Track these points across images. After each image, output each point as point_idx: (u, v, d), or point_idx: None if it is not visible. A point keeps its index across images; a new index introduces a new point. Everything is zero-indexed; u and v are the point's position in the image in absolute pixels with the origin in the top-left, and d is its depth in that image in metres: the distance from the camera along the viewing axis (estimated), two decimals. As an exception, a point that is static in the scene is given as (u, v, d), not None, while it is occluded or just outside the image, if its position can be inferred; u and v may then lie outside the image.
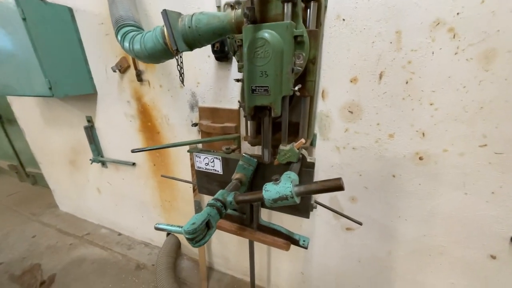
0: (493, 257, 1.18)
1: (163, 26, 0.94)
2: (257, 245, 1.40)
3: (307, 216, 1.03)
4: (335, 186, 0.58)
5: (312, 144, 1.36)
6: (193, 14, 0.90)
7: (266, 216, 1.71)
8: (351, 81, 1.16)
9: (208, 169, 1.12)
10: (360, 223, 1.05)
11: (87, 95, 2.01)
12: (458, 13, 0.90)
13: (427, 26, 0.96)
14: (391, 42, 1.03)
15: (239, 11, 0.83)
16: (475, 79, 0.96)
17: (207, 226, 0.69)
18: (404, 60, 1.04)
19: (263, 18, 0.74)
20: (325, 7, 1.07)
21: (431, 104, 1.05)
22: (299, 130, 1.00)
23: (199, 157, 1.11)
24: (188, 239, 0.65)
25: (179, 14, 0.93)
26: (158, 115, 1.83)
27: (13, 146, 3.83)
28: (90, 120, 2.21)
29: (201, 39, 0.92)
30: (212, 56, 1.40)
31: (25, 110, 2.65)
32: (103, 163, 2.40)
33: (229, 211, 1.11)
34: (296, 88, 0.79)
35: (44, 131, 2.63)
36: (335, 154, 1.34)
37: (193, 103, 1.64)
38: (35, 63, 1.59)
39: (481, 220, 1.15)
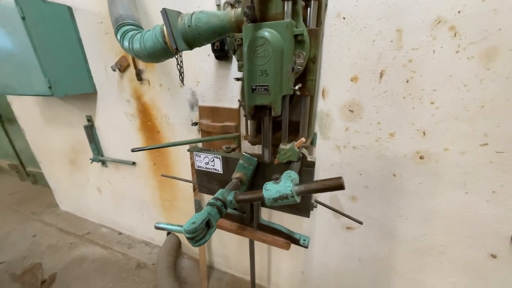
0: (494, 256, 1.18)
1: (163, 25, 0.93)
2: (257, 244, 1.40)
3: (308, 215, 1.03)
4: (336, 185, 0.58)
5: (313, 143, 1.36)
6: (193, 13, 0.90)
7: (267, 215, 1.71)
8: (351, 80, 1.16)
9: (208, 168, 1.12)
10: (360, 222, 1.05)
11: (87, 94, 2.01)
12: (459, 11, 0.90)
13: (428, 24, 0.95)
14: (391, 41, 1.03)
15: (239, 10, 0.82)
16: (476, 78, 0.95)
17: (207, 225, 0.69)
18: (405, 58, 1.03)
19: (263, 17, 0.74)
20: (326, 5, 1.07)
21: (432, 103, 1.05)
22: (299, 129, 1.00)
23: (199, 156, 1.11)
24: (188, 238, 0.65)
25: (179, 13, 0.93)
26: (158, 114, 1.83)
27: (14, 146, 3.84)
28: (90, 119, 2.21)
29: (201, 38, 0.92)
30: (212, 55, 1.39)
31: (25, 109, 2.65)
32: (103, 163, 2.40)
33: (229, 210, 1.11)
34: (297, 87, 0.79)
35: (44, 130, 2.63)
36: (335, 153, 1.34)
37: (193, 102, 1.63)
38: (34, 62, 1.59)
39: (481, 219, 1.15)
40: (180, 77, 1.25)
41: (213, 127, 1.52)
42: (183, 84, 1.57)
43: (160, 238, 2.50)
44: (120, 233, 2.81)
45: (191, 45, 0.96)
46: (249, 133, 1.09)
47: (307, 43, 0.76)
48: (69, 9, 1.76)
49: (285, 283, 1.97)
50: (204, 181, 1.17)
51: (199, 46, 0.98)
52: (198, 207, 1.92)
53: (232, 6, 1.24)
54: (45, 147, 2.80)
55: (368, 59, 1.09)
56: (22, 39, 1.54)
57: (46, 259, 2.44)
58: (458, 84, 0.98)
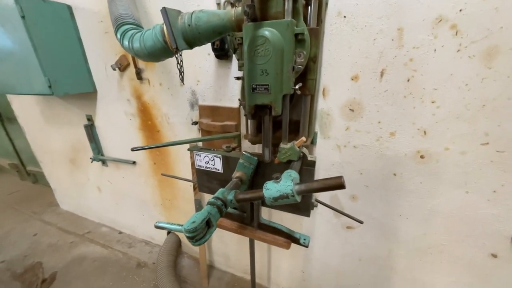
0: (494, 256, 1.18)
1: (163, 24, 0.93)
2: (257, 244, 1.40)
3: (308, 215, 1.03)
4: (337, 184, 0.58)
5: (313, 142, 1.36)
6: (193, 12, 0.90)
7: (267, 214, 1.71)
8: (352, 79, 1.15)
9: (209, 167, 1.12)
10: (361, 222, 1.05)
11: (87, 93, 2.01)
12: (460, 10, 0.89)
13: (429, 23, 0.95)
14: (392, 40, 1.02)
15: (239, 8, 0.82)
16: (478, 77, 0.95)
17: (207, 225, 0.69)
18: (405, 57, 1.03)
19: (263, 16, 0.74)
20: (326, 4, 1.06)
21: (432, 102, 1.04)
22: (299, 129, 1.00)
23: (200, 156, 1.11)
24: (188, 237, 0.65)
25: (179, 12, 0.93)
26: (158, 113, 1.83)
27: (14, 145, 3.84)
28: (90, 118, 2.21)
29: (201, 37, 0.91)
30: (212, 54, 1.39)
31: (25, 108, 2.65)
32: (104, 162, 2.40)
33: (230, 209, 1.11)
34: (297, 86, 0.79)
35: (44, 129, 2.63)
36: (335, 152, 1.33)
37: (193, 102, 1.63)
38: (34, 61, 1.58)
39: (482, 218, 1.14)
40: (180, 76, 1.24)
41: (213, 126, 1.52)
42: (183, 83, 1.57)
43: (160, 237, 2.50)
44: (120, 232, 2.81)
45: (191, 44, 0.95)
46: (249, 132, 1.09)
47: (307, 42, 0.76)
48: (69, 8, 1.75)
49: (285, 282, 1.97)
50: (204, 180, 1.17)
51: (199, 45, 0.98)
52: (198, 206, 1.92)
53: (232, 5, 1.24)
54: (45, 146, 2.80)
55: (368, 58, 1.09)
56: (22, 38, 1.54)
57: (47, 258, 2.45)
58: (459, 83, 0.98)
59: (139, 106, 1.88)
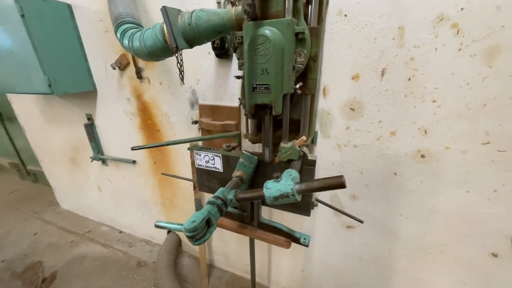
0: (495, 255, 1.18)
1: (163, 23, 0.93)
2: (257, 243, 1.40)
3: (308, 214, 1.02)
4: (337, 183, 0.57)
5: (313, 141, 1.35)
6: (193, 11, 0.89)
7: (267, 214, 1.71)
8: (352, 78, 1.15)
9: (209, 166, 1.11)
10: (361, 221, 1.05)
11: (86, 92, 2.01)
12: (462, 8, 0.89)
13: (430, 21, 0.94)
14: (393, 38, 1.02)
15: (239, 7, 0.82)
16: (479, 76, 0.94)
17: (208, 224, 0.68)
18: (406, 56, 1.02)
19: (264, 15, 0.73)
20: (327, 2, 1.06)
21: (433, 101, 1.04)
22: (300, 128, 0.99)
23: (200, 155, 1.11)
24: (188, 237, 0.64)
25: (179, 11, 0.92)
26: (158, 112, 1.82)
27: (14, 144, 3.84)
28: (90, 117, 2.21)
29: (201, 36, 0.91)
30: (212, 53, 1.38)
31: (25, 108, 2.64)
32: (104, 161, 2.40)
33: (230, 209, 1.11)
34: (297, 86, 0.79)
35: (44, 128, 2.63)
36: (336, 152, 1.33)
37: (193, 101, 1.63)
38: (34, 60, 1.58)
39: (482, 218, 1.14)
40: (180, 75, 1.24)
41: (213, 125, 1.52)
42: (183, 83, 1.57)
43: (160, 236, 2.50)
44: (120, 232, 2.81)
45: (191, 44, 0.95)
46: (249, 132, 1.09)
47: (308, 42, 0.76)
48: (69, 6, 1.75)
49: (285, 281, 1.97)
50: (204, 179, 1.17)
51: (200, 45, 0.97)
52: (199, 205, 1.92)
53: (233, 4, 1.23)
54: (46, 146, 2.80)
55: (369, 57, 1.09)
56: (22, 37, 1.53)
57: (47, 257, 2.45)
58: (460, 83, 0.98)
59: (139, 105, 1.88)
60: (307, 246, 1.02)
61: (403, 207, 1.29)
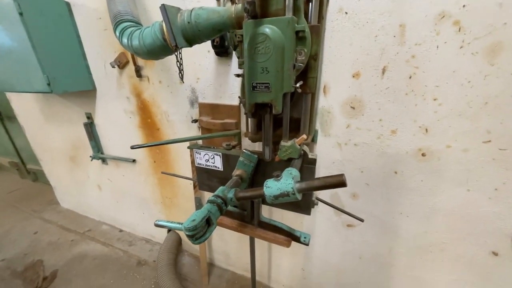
0: (495, 254, 1.18)
1: (162, 22, 0.92)
2: (257, 242, 1.40)
3: (308, 213, 1.02)
4: (338, 182, 0.57)
5: (314, 140, 1.35)
6: (192, 9, 0.88)
7: (267, 212, 1.71)
8: (353, 76, 1.14)
9: (209, 165, 1.11)
10: (361, 220, 1.04)
11: (86, 91, 2.00)
12: (464, 6, 0.88)
13: (431, 19, 0.94)
14: (394, 36, 1.01)
15: (239, 5, 0.81)
16: (480, 74, 0.94)
17: (208, 223, 0.68)
18: (407, 54, 1.02)
19: (264, 13, 0.72)
20: (327, 0, 1.05)
21: (434, 100, 1.04)
22: (300, 126, 0.99)
23: (199, 154, 1.10)
24: (188, 236, 0.64)
25: (178, 9, 0.91)
26: (157, 111, 1.82)
27: (14, 143, 3.83)
28: (89, 116, 2.20)
29: (201, 34, 0.90)
30: (212, 51, 1.38)
31: (24, 107, 2.64)
32: (103, 160, 2.40)
33: (230, 207, 1.11)
34: (298, 85, 0.78)
35: (44, 127, 2.62)
36: (336, 150, 1.33)
37: (193, 99, 1.62)
38: (33, 58, 1.57)
39: (483, 216, 1.14)
40: (180, 74, 1.23)
41: (213, 124, 1.51)
42: (183, 81, 1.56)
43: (160, 235, 2.50)
44: (120, 230, 2.81)
45: (190, 42, 0.94)
46: (249, 130, 1.08)
47: (308, 40, 0.75)
48: (67, 4, 1.74)
49: (285, 280, 1.98)
50: (204, 178, 1.16)
51: (199, 43, 0.97)
52: (199, 204, 1.92)
53: (232, 1, 1.22)
54: (45, 145, 2.80)
55: (370, 54, 1.08)
56: (20, 36, 1.52)
57: (47, 256, 2.45)
58: (462, 80, 0.97)
59: (139, 104, 1.87)
60: (307, 245, 1.02)
61: (404, 205, 1.29)
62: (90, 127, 2.21)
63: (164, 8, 0.85)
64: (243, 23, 0.73)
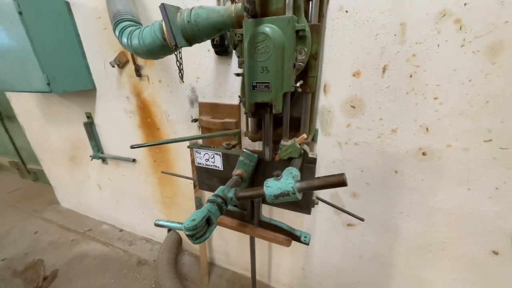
0: (496, 253, 1.18)
1: (162, 21, 0.91)
2: (258, 241, 1.40)
3: (309, 212, 1.02)
4: (338, 181, 0.57)
5: (314, 139, 1.35)
6: (192, 8, 0.88)
7: (267, 212, 1.71)
8: (353, 75, 1.14)
9: (209, 165, 1.11)
10: (361, 219, 1.04)
11: (86, 91, 1.99)
12: (465, 4, 0.88)
13: (432, 17, 0.93)
14: (395, 35, 1.01)
15: (239, 4, 0.80)
16: (481, 73, 0.93)
17: (208, 223, 0.68)
18: (408, 53, 1.01)
19: (264, 12, 0.72)
20: (328, -1, 1.04)
21: (435, 98, 1.03)
22: (300, 126, 0.99)
23: (199, 153, 1.10)
24: (188, 235, 0.64)
25: (178, 8, 0.91)
26: (157, 111, 1.81)
27: (14, 143, 3.83)
28: (89, 116, 2.20)
29: (201, 34, 0.90)
30: (212, 50, 1.37)
31: (24, 106, 2.63)
32: (103, 160, 2.40)
33: (230, 207, 1.10)
34: (298, 84, 0.78)
35: (44, 127, 2.62)
36: (336, 149, 1.33)
37: (193, 99, 1.62)
38: (32, 58, 1.57)
39: (484, 216, 1.14)
40: (180, 73, 1.23)
41: (213, 123, 1.51)
42: (183, 81, 1.56)
43: (161, 234, 2.50)
44: (121, 230, 2.81)
45: (190, 41, 0.94)
46: (249, 130, 1.08)
47: (308, 39, 0.75)
48: (67, 3, 1.73)
49: (285, 279, 1.98)
50: (204, 178, 1.16)
51: (199, 42, 0.96)
52: (199, 204, 1.92)
53: (232, 1, 1.22)
54: (45, 144, 2.80)
55: (370, 53, 1.08)
56: (20, 35, 1.52)
57: (48, 256, 2.45)
58: (463, 79, 0.97)
59: (139, 104, 1.87)
60: (307, 244, 1.02)
61: (404, 205, 1.28)
62: (90, 126, 2.21)
63: (163, 7, 0.85)
64: (243, 22, 0.73)
